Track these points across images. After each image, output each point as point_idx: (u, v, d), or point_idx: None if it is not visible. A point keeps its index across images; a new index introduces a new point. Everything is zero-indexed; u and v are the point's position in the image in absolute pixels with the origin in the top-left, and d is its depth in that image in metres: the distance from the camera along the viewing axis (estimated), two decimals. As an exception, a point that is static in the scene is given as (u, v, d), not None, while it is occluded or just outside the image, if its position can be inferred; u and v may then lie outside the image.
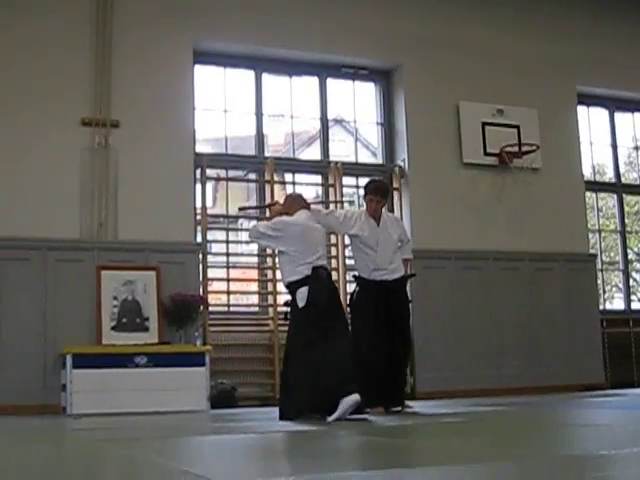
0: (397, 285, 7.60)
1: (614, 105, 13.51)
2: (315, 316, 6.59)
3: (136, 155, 10.05)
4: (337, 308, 6.92)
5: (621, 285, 13.85)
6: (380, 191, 7.77)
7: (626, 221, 13.75)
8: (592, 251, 12.77)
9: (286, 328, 10.19)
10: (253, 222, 11.43)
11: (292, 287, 6.83)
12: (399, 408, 7.38)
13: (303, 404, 6.45)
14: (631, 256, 14.25)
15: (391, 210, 11.54)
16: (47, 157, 9.71)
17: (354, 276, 7.86)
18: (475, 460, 3.30)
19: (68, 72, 9.95)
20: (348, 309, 7.78)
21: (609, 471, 2.83)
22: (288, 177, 11.65)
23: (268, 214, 7.87)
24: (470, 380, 10.96)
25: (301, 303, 6.67)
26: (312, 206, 7.58)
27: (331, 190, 11.28)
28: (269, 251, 10.67)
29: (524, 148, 11.75)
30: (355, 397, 6.20)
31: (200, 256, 10.30)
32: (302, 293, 6.67)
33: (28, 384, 9.18)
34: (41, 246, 9.49)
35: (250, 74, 11.33)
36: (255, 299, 11.26)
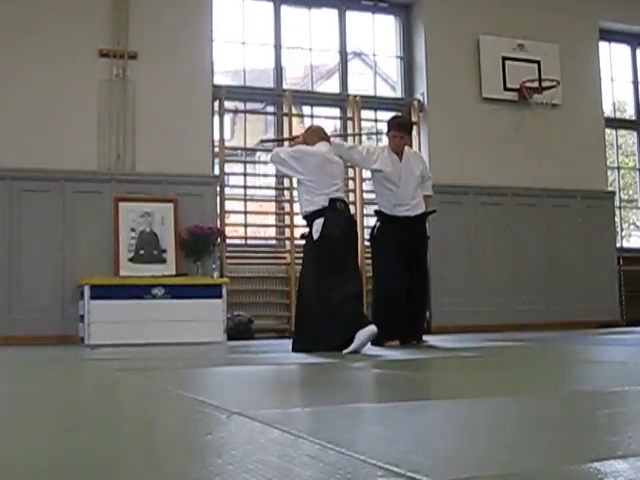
0: (418, 221, 7.59)
1: (636, 41, 13.37)
2: (329, 249, 6.58)
3: (154, 87, 10.03)
4: (352, 244, 6.91)
5: (639, 223, 13.80)
6: (403, 127, 7.75)
7: (645, 159, 13.66)
8: (610, 188, 12.72)
9: (301, 261, 10.28)
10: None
11: (309, 218, 6.81)
12: (414, 342, 7.42)
13: (316, 337, 6.46)
14: (650, 194, 14.17)
15: (410, 144, 11.49)
16: (65, 88, 9.70)
17: (375, 211, 7.83)
18: (488, 394, 3.32)
19: (86, 3, 9.90)
20: (368, 243, 7.80)
21: (621, 407, 2.84)
22: (306, 110, 11.63)
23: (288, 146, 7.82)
24: (486, 315, 11.00)
25: (316, 235, 6.65)
26: (333, 139, 7.56)
27: (349, 123, 11.24)
28: (287, 184, 10.69)
29: (544, 84, 11.67)
30: (371, 328, 6.21)
31: (218, 188, 10.31)
32: (317, 225, 6.65)
33: (47, 314, 9.28)
34: (59, 177, 9.52)
35: (269, 5, 11.25)
36: (272, 232, 11.29)
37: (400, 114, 9.05)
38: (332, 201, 6.71)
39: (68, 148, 9.60)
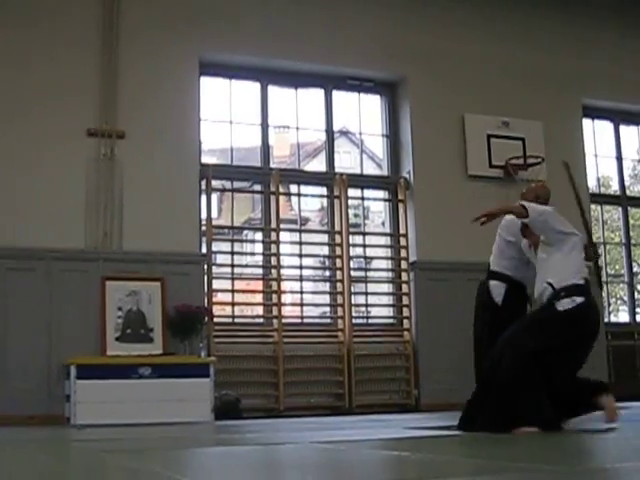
0: None
1: (619, 118, 13.52)
2: None
3: (142, 166, 10.07)
4: None
5: (626, 298, 13.83)
6: None
7: (631, 234, 13.74)
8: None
9: (290, 340, 10.24)
10: (258, 234, 11.50)
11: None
12: None
13: None
14: (636, 269, 14.23)
15: (396, 222, 11.56)
16: (53, 167, 9.74)
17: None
18: (477, 473, 3.29)
19: (74, 82, 9.98)
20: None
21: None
22: (293, 188, 11.68)
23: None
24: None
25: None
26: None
27: (336, 202, 11.28)
28: (274, 262, 10.69)
29: (529, 160, 11.76)
30: None
31: (205, 267, 10.31)
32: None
33: (32, 394, 9.19)
34: (46, 256, 9.50)
35: (256, 86, 11.36)
36: (260, 310, 11.26)
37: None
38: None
39: (55, 226, 9.59)
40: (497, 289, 6.81)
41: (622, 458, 3.78)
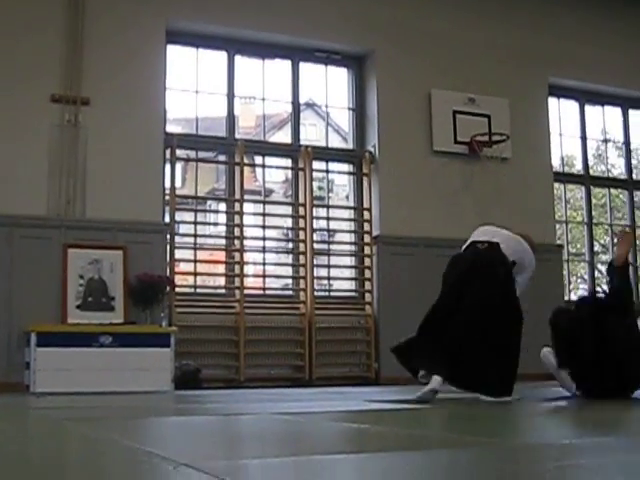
0: None
1: (584, 98, 13.58)
2: None
3: (106, 133, 10.00)
4: None
5: (586, 276, 13.95)
6: None
7: (593, 213, 13.84)
8: (559, 242, 12.84)
9: (252, 311, 10.25)
10: (222, 204, 11.47)
11: None
12: None
13: None
14: (597, 248, 14.37)
15: (360, 196, 11.58)
16: (15, 133, 9.64)
17: None
18: (438, 446, 3.32)
19: (39, 48, 9.87)
20: None
21: (570, 460, 2.85)
22: (258, 160, 11.66)
23: None
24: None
25: None
26: None
27: (301, 174, 11.27)
28: (237, 233, 10.67)
29: (494, 138, 11.79)
30: None
31: (168, 236, 10.28)
32: None
33: (-9, 361, 9.14)
34: (7, 222, 9.43)
35: (223, 55, 11.29)
36: (222, 281, 11.25)
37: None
38: None
39: (17, 193, 9.51)
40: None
41: (580, 434, 3.82)
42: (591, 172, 13.96)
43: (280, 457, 2.99)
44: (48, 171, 9.72)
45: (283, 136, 12.09)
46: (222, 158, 11.45)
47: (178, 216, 10.71)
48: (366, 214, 11.47)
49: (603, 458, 2.92)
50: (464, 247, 6.96)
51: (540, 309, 11.96)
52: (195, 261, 10.87)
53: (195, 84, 11.15)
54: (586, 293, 13.57)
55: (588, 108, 13.71)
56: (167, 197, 10.41)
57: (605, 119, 14.03)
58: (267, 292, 11.29)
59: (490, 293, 6.63)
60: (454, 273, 6.83)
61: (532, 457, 2.91)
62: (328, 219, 11.74)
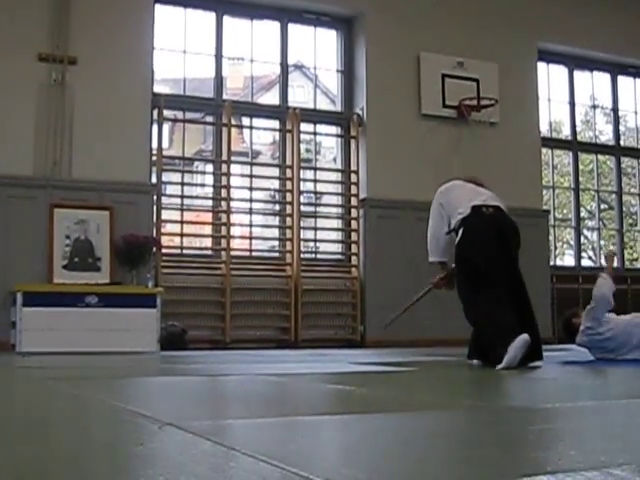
0: None
1: (574, 63, 13.57)
2: None
3: (93, 93, 9.95)
4: None
5: (572, 242, 13.99)
6: None
7: (580, 179, 13.87)
8: (545, 207, 12.87)
9: (238, 273, 10.25)
10: (209, 165, 11.45)
11: None
12: None
13: None
14: (583, 214, 14.41)
15: (348, 158, 11.56)
16: (2, 92, 9.59)
17: None
18: (421, 409, 3.33)
19: (27, 7, 9.81)
20: None
21: (551, 423, 2.87)
22: (245, 121, 11.63)
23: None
24: (420, 330, 11.03)
25: None
26: None
27: (288, 136, 11.24)
28: (224, 194, 10.66)
29: (483, 102, 11.78)
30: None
31: (154, 197, 10.26)
32: None
33: (-23, 320, 9.14)
34: (-7, 182, 9.40)
35: (211, 16, 11.22)
36: (208, 242, 11.25)
37: None
38: None
39: (3, 152, 9.47)
40: None
41: (562, 398, 3.84)
42: (579, 138, 13.97)
43: (265, 418, 3.01)
44: (35, 131, 9.68)
45: (271, 98, 12.04)
46: (209, 119, 11.41)
47: (165, 177, 10.69)
48: (353, 177, 11.46)
49: (584, 421, 2.94)
50: (469, 211, 6.52)
51: (526, 274, 12.01)
52: (182, 222, 10.86)
53: (183, 44, 11.09)
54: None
55: (577, 74, 13.70)
56: (154, 158, 10.38)
57: (594, 85, 14.02)
58: (253, 254, 11.30)
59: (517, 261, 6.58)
60: (490, 246, 6.43)
61: (516, 420, 2.94)
62: (315, 181, 11.75)
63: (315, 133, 11.83)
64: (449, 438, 2.49)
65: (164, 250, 10.37)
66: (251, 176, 11.29)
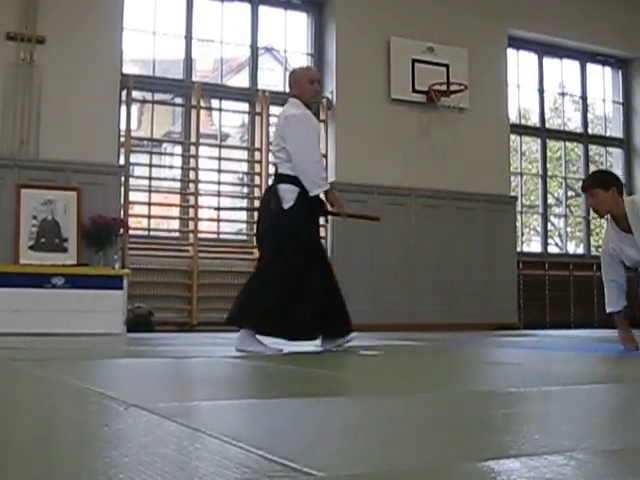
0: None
1: (543, 50, 13.62)
2: None
3: (61, 73, 9.88)
4: None
5: (539, 229, 14.07)
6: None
7: (548, 166, 13.95)
8: (513, 194, 12.93)
9: (206, 255, 10.22)
10: (178, 147, 11.40)
11: None
12: None
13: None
14: (550, 201, 14.48)
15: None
16: (-31, 70, 9.51)
17: None
18: (385, 392, 3.35)
19: (-6, -16, 9.72)
20: None
21: (516, 407, 2.89)
22: (215, 103, 11.59)
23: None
24: (385, 315, 11.08)
25: None
26: None
27: (257, 119, 11.22)
28: (192, 177, 10.63)
29: (452, 87, 11.80)
30: None
31: (122, 179, 10.22)
32: None
33: (-59, 300, 9.07)
34: (-41, 161, 9.33)
35: (181, -4, 11.17)
36: (176, 224, 11.22)
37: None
38: None
39: (-30, 131, 9.41)
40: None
41: (527, 383, 3.87)
42: (547, 125, 14.03)
43: (230, 400, 3.01)
44: (2, 110, 9.61)
45: (241, 80, 11.99)
46: (179, 101, 11.37)
47: (133, 158, 10.64)
48: (322, 160, 11.44)
49: (548, 406, 2.97)
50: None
51: (493, 260, 12.12)
52: (149, 204, 10.82)
53: (153, 25, 11.03)
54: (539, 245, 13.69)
55: (546, 61, 13.76)
56: (122, 139, 10.33)
57: (563, 72, 14.08)
58: (221, 236, 11.27)
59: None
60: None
61: (481, 404, 2.95)
62: (284, 165, 11.72)
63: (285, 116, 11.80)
64: (414, 421, 2.50)
65: (131, 232, 10.34)
66: (219, 159, 11.26)
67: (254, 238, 7.31)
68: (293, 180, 5.90)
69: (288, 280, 5.83)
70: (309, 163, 5.92)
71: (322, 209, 6.19)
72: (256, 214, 6.68)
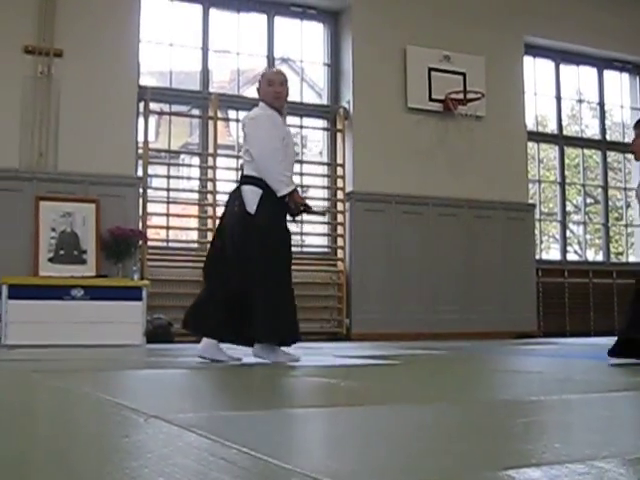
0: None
1: (560, 57, 13.59)
2: None
3: (79, 85, 9.92)
4: None
5: (558, 236, 14.02)
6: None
7: (566, 173, 13.91)
8: (531, 201, 12.90)
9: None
10: (195, 158, 11.42)
11: None
12: None
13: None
14: (569, 208, 14.44)
15: (334, 152, 11.56)
16: (-13, 84, 9.56)
17: None
18: (406, 402, 3.34)
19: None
20: None
21: (537, 416, 2.88)
22: (232, 114, 11.61)
23: None
24: (405, 324, 11.07)
25: None
26: None
27: (275, 129, 11.22)
28: (210, 188, 10.65)
29: (469, 96, 11.79)
30: None
31: (140, 190, 10.25)
32: None
33: (-38, 313, 9.11)
34: (-21, 174, 9.37)
35: (197, 8, 11.21)
36: (194, 235, 11.24)
37: None
38: None
39: (-11, 145, 9.45)
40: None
41: (547, 391, 3.86)
42: (565, 132, 14.00)
43: (250, 410, 3.01)
44: (20, 123, 9.65)
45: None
46: (196, 112, 11.39)
47: (151, 170, 10.67)
48: (339, 170, 11.47)
49: (568, 414, 2.96)
50: None
51: (512, 268, 12.08)
52: (167, 215, 10.84)
53: (170, 37, 11.07)
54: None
55: (563, 68, 13.73)
56: (140, 150, 10.36)
57: (580, 79, 14.05)
58: (239, 247, 11.26)
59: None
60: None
61: (501, 413, 2.95)
62: (302, 175, 11.72)
63: (301, 126, 11.82)
64: (434, 430, 2.50)
65: (150, 243, 10.36)
66: (237, 169, 11.25)
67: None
68: (257, 182, 5.86)
69: (233, 289, 5.84)
70: (273, 163, 5.81)
71: (286, 210, 6.04)
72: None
